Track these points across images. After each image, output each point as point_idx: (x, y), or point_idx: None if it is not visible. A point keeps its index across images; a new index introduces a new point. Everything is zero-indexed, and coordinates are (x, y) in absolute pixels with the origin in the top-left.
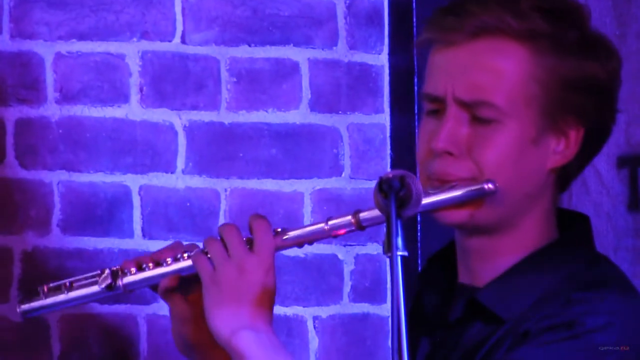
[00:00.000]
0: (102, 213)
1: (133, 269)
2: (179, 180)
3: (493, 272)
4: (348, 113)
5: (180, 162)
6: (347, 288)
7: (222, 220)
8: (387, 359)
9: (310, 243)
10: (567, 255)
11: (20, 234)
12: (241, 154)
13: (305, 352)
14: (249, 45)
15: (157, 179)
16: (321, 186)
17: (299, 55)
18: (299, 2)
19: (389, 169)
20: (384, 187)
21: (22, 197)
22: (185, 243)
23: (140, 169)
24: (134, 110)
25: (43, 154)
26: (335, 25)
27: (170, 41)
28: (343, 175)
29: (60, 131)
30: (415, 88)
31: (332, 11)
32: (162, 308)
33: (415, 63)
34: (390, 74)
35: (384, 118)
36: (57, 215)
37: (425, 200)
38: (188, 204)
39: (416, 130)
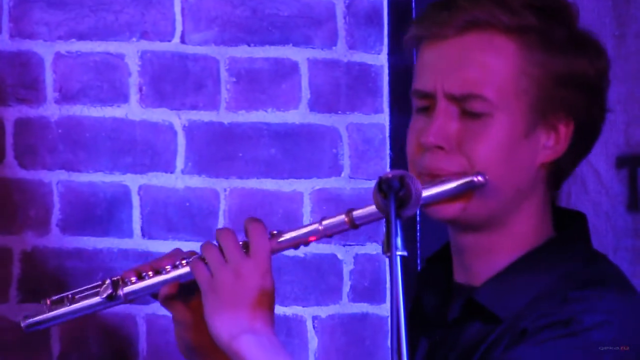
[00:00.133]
0: (102, 213)
1: (133, 278)
2: (179, 180)
3: (488, 270)
4: (347, 113)
5: (180, 162)
6: (346, 288)
7: (221, 220)
8: (386, 358)
9: (306, 244)
10: (564, 253)
11: (19, 234)
12: (240, 154)
13: (304, 352)
14: (249, 45)
15: (157, 179)
16: (320, 186)
17: (298, 55)
18: (298, 2)
19: (388, 169)
20: (384, 187)
21: (21, 197)
22: (184, 250)
23: (139, 168)
24: (133, 110)
25: (42, 154)
26: (335, 25)
27: (169, 41)
28: (342, 175)
29: (60, 131)
30: None
31: (332, 11)
32: (161, 308)
33: (415, 63)
34: (390, 74)
35: (383, 118)
36: (56, 215)
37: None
38: (187, 204)
39: None
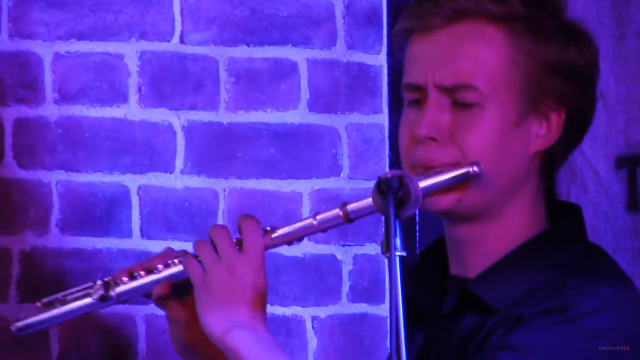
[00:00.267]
0: (101, 213)
1: (125, 279)
2: (178, 180)
3: (483, 261)
4: (346, 113)
5: (179, 162)
6: (345, 288)
7: (220, 220)
8: (385, 359)
9: (300, 240)
10: (559, 244)
11: (18, 234)
12: (240, 154)
13: (303, 353)
14: (248, 45)
15: (156, 179)
16: (320, 186)
17: (297, 55)
18: (297, 2)
19: (387, 169)
20: (383, 187)
21: (20, 197)
22: (176, 249)
23: (139, 168)
24: (132, 110)
25: (42, 154)
26: (334, 25)
27: (169, 41)
28: (342, 175)
29: (59, 131)
30: None
31: (331, 11)
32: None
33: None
34: (389, 74)
35: (383, 118)
36: (55, 215)
37: None
38: (187, 204)
39: None
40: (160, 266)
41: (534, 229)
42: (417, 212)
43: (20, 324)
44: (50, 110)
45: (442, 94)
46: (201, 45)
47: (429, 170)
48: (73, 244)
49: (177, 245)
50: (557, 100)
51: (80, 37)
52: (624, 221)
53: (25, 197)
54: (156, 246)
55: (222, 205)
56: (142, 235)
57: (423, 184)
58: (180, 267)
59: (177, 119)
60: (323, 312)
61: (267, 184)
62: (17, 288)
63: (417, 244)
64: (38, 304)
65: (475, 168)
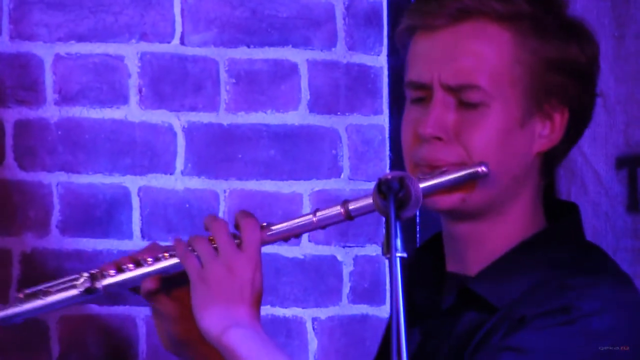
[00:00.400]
0: (101, 214)
1: (112, 271)
2: (178, 181)
3: (483, 259)
4: (347, 114)
5: (179, 163)
6: (346, 289)
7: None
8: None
9: (298, 236)
10: (558, 243)
11: (19, 235)
12: (240, 155)
13: (304, 354)
14: (248, 47)
15: (156, 180)
16: (320, 187)
17: (297, 56)
18: (297, 3)
19: (387, 170)
20: (383, 188)
21: (21, 198)
22: (162, 243)
23: (139, 170)
24: (133, 111)
25: (42, 156)
26: (334, 27)
27: (169, 42)
28: (342, 176)
29: (59, 132)
30: None
31: (331, 12)
32: None
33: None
34: (389, 75)
35: (383, 119)
36: (56, 216)
37: (421, 185)
38: (187, 205)
39: None
40: (149, 259)
41: (533, 228)
42: (417, 213)
43: (0, 314)
44: (50, 112)
45: (447, 93)
46: (201, 46)
47: (434, 169)
48: (73, 245)
49: None
50: (560, 99)
51: (81, 38)
52: (624, 221)
53: (26, 199)
54: None
55: (222, 207)
56: (143, 237)
57: (430, 183)
58: (171, 261)
59: (177, 120)
60: (323, 313)
61: (268, 185)
62: (17, 289)
63: (418, 245)
64: (20, 294)
65: (483, 168)
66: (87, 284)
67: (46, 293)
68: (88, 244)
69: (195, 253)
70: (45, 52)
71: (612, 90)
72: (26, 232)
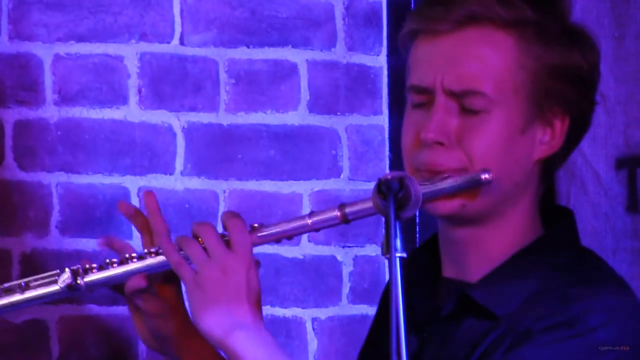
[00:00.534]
0: (101, 215)
1: (94, 268)
2: (178, 181)
3: (481, 266)
4: (347, 114)
5: (179, 164)
6: (345, 289)
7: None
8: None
9: (289, 238)
10: (555, 249)
11: (18, 235)
12: (240, 156)
13: (304, 354)
14: (248, 47)
15: (156, 181)
16: (320, 187)
17: (297, 56)
18: (297, 3)
19: (387, 171)
20: (383, 188)
21: (20, 198)
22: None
23: (138, 170)
24: (132, 111)
25: (42, 156)
26: (334, 27)
27: (168, 43)
28: (342, 176)
29: (59, 133)
30: None
31: (331, 12)
32: None
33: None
34: (389, 75)
35: (383, 119)
36: (55, 216)
37: (423, 191)
38: (187, 206)
39: None
40: (134, 257)
41: (531, 234)
42: (417, 213)
43: None
44: (50, 112)
45: (449, 98)
46: (201, 46)
47: (435, 174)
48: (73, 245)
49: None
50: (561, 106)
51: (80, 38)
52: (624, 222)
53: (26, 199)
54: None
55: (222, 207)
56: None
57: (433, 188)
58: (156, 259)
59: (177, 121)
60: (323, 313)
61: (267, 186)
62: None
63: (417, 245)
64: None
65: (486, 176)
66: (69, 281)
67: (25, 288)
68: (88, 244)
69: (185, 255)
70: (44, 52)
71: (611, 90)
72: (26, 232)
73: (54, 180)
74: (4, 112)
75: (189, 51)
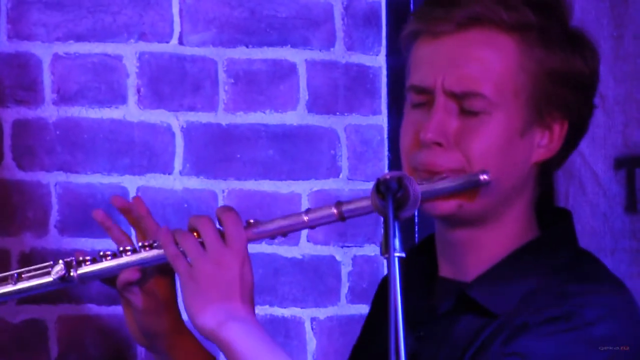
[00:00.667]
0: None
1: (88, 260)
2: (177, 181)
3: (478, 266)
4: (345, 114)
5: (178, 163)
6: (344, 289)
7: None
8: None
9: (285, 235)
10: (552, 250)
11: (17, 235)
12: (239, 155)
13: (303, 354)
14: (247, 47)
15: (155, 180)
16: (319, 187)
17: (296, 56)
18: (296, 3)
19: (386, 171)
20: (382, 188)
21: (19, 198)
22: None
23: (137, 170)
24: (131, 111)
25: (40, 155)
26: (333, 27)
27: (167, 42)
28: (341, 176)
29: (58, 132)
30: None
31: (330, 12)
32: None
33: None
34: (388, 75)
35: (382, 119)
36: (54, 216)
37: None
38: (186, 205)
39: None
40: (128, 250)
41: (527, 236)
42: (416, 213)
43: None
44: (49, 112)
45: (449, 99)
46: (200, 46)
47: (433, 174)
48: (72, 245)
49: None
50: (561, 111)
51: (79, 38)
52: (623, 222)
53: (24, 198)
54: None
55: None
56: None
57: (432, 188)
58: (150, 253)
59: (175, 120)
60: (322, 313)
61: (266, 185)
62: None
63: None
64: None
65: (485, 177)
66: (62, 272)
67: (18, 278)
68: (86, 243)
69: (180, 248)
70: (43, 51)
71: (610, 90)
72: (25, 232)
73: (53, 180)
74: (3, 111)
75: (188, 51)
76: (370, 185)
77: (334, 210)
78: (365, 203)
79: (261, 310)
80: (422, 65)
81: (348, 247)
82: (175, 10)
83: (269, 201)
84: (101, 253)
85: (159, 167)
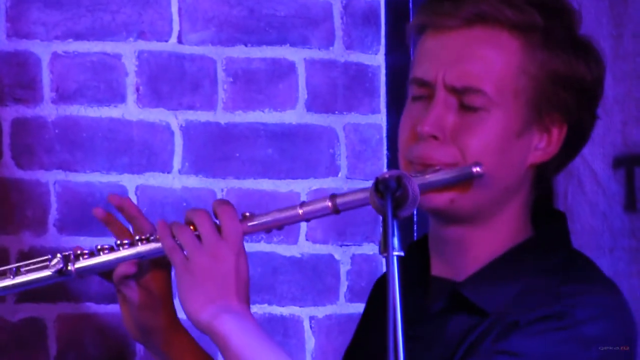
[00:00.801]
0: None
1: (86, 254)
2: (176, 180)
3: (470, 265)
4: (344, 113)
5: (177, 162)
6: (343, 288)
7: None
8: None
9: (280, 228)
10: (545, 251)
11: (16, 234)
12: (237, 154)
13: (301, 352)
14: (246, 45)
15: (154, 179)
16: (317, 186)
17: (295, 55)
18: (295, 2)
19: (385, 169)
20: (381, 187)
21: (18, 197)
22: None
23: (136, 168)
24: (130, 110)
25: (39, 154)
26: (332, 25)
27: (166, 41)
28: (339, 175)
29: (57, 131)
30: None
31: (329, 11)
32: None
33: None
34: (387, 74)
35: (381, 118)
36: (53, 215)
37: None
38: (184, 204)
39: None
40: (125, 244)
41: (520, 236)
42: (414, 212)
43: None
44: (48, 110)
45: (450, 94)
46: (199, 45)
47: (427, 167)
48: (71, 243)
49: None
50: (560, 114)
51: (78, 37)
52: (622, 221)
53: (23, 197)
54: None
55: None
56: None
57: (425, 180)
58: (147, 247)
59: (174, 119)
60: (321, 312)
61: (265, 184)
62: None
63: None
64: None
65: (478, 169)
66: (60, 266)
67: (16, 272)
68: (85, 242)
69: (178, 241)
70: (42, 50)
71: (610, 89)
72: (24, 230)
73: (52, 179)
74: (2, 110)
75: (186, 49)
76: (369, 185)
77: (328, 203)
78: (359, 196)
79: (260, 309)
80: (425, 59)
81: (347, 245)
82: (174, 9)
83: (267, 200)
84: (99, 247)
85: (158, 165)
